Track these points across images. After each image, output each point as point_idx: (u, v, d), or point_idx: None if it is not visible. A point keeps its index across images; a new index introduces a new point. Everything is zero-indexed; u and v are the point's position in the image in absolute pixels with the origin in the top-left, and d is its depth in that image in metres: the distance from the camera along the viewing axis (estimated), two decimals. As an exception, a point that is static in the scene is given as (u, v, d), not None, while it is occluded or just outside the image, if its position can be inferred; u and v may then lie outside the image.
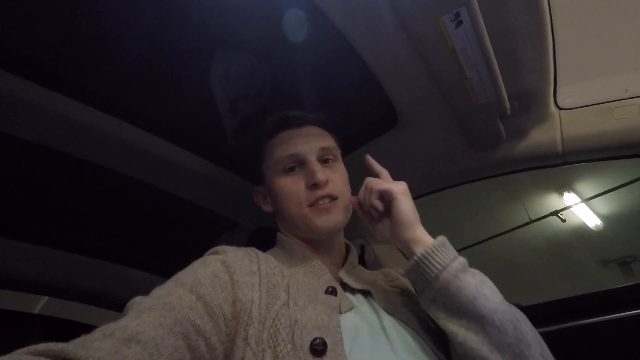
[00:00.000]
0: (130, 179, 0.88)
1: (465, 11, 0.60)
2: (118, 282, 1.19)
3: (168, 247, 1.17)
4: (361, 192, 0.65)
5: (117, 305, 1.23)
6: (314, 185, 0.64)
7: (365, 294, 0.65)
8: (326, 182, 0.64)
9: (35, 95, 0.69)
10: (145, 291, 0.49)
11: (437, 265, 0.54)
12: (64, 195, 0.95)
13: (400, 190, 0.61)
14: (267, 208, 0.73)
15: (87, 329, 0.41)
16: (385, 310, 0.61)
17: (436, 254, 0.55)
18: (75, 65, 0.71)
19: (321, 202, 0.64)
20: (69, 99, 0.72)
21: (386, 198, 0.61)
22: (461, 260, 0.56)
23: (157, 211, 1.06)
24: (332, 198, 0.65)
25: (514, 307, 0.57)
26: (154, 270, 1.21)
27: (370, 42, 0.68)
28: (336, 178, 0.67)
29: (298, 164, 0.66)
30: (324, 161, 0.67)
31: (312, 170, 0.64)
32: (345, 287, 0.65)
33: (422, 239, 0.58)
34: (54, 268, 1.09)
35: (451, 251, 0.57)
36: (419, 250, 0.56)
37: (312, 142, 0.67)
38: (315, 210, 0.64)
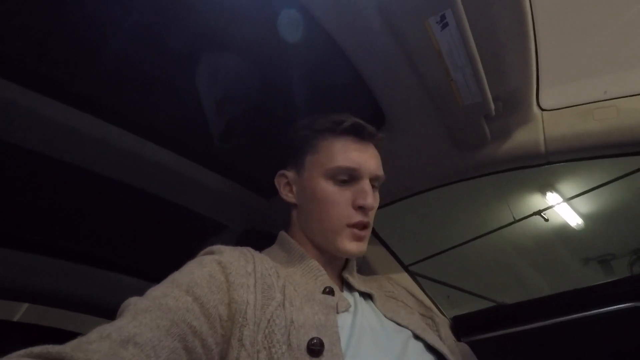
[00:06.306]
0: (113, 180, 0.86)
1: (451, 13, 0.60)
2: (101, 287, 1.16)
3: (153, 251, 1.15)
4: None
5: (101, 311, 1.21)
6: (361, 208, 0.63)
7: (366, 296, 0.66)
8: (371, 208, 0.64)
9: (24, 99, 0.68)
10: (129, 296, 0.48)
11: None
12: (45, 198, 0.93)
13: None
14: (289, 197, 0.70)
15: (70, 336, 0.40)
16: (385, 315, 0.62)
17: None
18: (61, 67, 0.69)
19: (360, 226, 0.64)
20: (55, 102, 0.71)
21: None
22: None
23: (141, 214, 1.04)
24: (367, 226, 0.65)
25: None
26: (138, 274, 1.19)
27: (358, 43, 0.69)
28: (375, 207, 0.67)
29: (352, 178, 0.65)
30: (372, 186, 0.67)
31: (366, 192, 0.63)
32: (344, 288, 0.66)
33: None
34: (35, 274, 1.06)
35: None
36: None
37: (372, 163, 0.67)
38: (350, 234, 0.63)
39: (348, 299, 0.61)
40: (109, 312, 0.47)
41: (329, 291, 0.59)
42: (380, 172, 0.68)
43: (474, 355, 0.76)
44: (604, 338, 0.92)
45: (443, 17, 0.61)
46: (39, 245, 1.04)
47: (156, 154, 0.86)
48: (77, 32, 0.64)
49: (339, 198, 0.64)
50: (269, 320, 0.50)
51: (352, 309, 0.59)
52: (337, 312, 0.56)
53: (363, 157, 0.65)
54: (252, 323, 0.49)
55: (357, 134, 0.67)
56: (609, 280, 0.96)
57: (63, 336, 0.40)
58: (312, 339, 0.49)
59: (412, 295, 0.78)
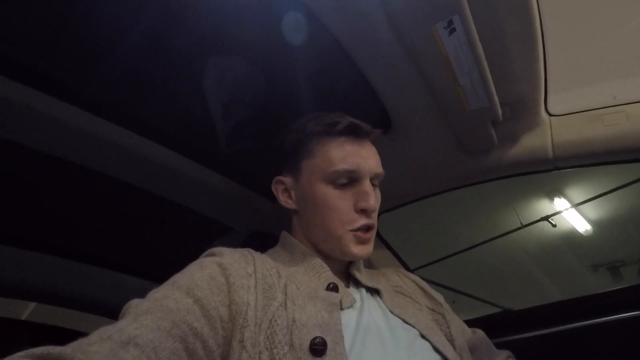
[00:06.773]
0: (120, 182, 0.87)
1: (458, 19, 0.60)
2: (108, 287, 1.17)
3: (160, 252, 1.16)
4: None
5: (107, 312, 1.22)
6: (363, 211, 0.62)
7: (373, 292, 0.65)
8: (374, 210, 0.63)
9: (27, 98, 0.69)
10: (136, 297, 0.49)
11: None
12: (52, 199, 0.94)
13: None
14: (288, 204, 0.68)
15: (77, 335, 0.41)
16: (392, 312, 0.61)
17: None
18: (66, 68, 0.70)
19: (364, 229, 0.63)
20: (60, 102, 0.72)
21: None
22: None
23: (148, 215, 1.05)
24: (372, 228, 0.64)
25: None
26: (145, 276, 1.19)
27: (365, 48, 0.69)
28: (377, 206, 0.65)
29: (351, 180, 0.64)
30: (372, 184, 0.65)
31: (368, 193, 0.62)
32: (351, 284, 0.65)
33: None
34: (43, 273, 1.07)
35: None
36: None
37: (371, 162, 0.65)
38: (354, 237, 0.62)
39: (354, 295, 0.61)
40: (115, 313, 0.48)
41: (333, 287, 0.59)
42: (379, 169, 0.66)
43: (489, 340, 0.74)
44: (612, 346, 0.91)
45: (450, 22, 0.61)
46: (47, 245, 1.05)
47: (164, 156, 0.87)
48: (83, 33, 0.65)
49: (340, 203, 0.62)
50: (270, 321, 0.49)
51: (357, 305, 0.59)
52: (342, 309, 0.56)
53: (361, 157, 0.64)
54: (253, 324, 0.49)
55: (353, 133, 0.65)
56: (618, 287, 0.94)
57: (70, 335, 0.41)
58: (315, 338, 0.48)
59: (422, 288, 0.75)
